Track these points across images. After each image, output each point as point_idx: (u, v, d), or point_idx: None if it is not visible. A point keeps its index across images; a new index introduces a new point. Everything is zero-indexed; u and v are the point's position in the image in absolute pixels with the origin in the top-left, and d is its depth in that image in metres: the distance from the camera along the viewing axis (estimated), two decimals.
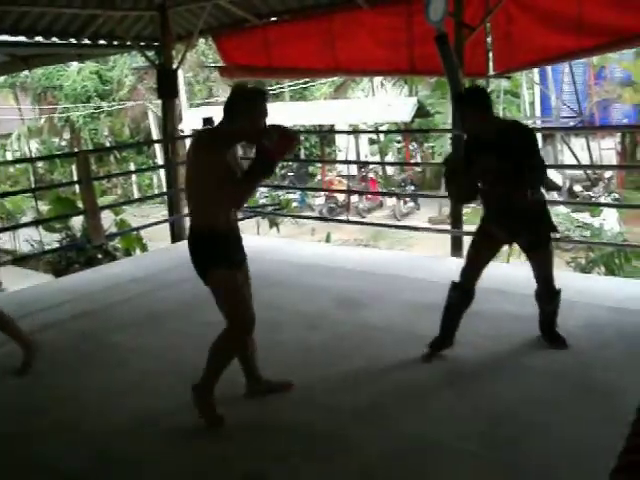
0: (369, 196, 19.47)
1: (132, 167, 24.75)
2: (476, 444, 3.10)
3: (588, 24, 5.87)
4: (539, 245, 3.99)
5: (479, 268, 4.04)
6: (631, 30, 5.75)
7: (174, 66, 8.24)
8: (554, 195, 17.82)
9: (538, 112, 20.34)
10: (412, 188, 19.11)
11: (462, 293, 4.05)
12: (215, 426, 3.41)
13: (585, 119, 18.80)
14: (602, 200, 16.82)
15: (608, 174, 18.47)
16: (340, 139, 23.10)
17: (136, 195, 24.08)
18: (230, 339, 3.38)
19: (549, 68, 17.96)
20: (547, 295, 4.14)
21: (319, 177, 22.01)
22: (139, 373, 4.13)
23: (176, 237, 8.13)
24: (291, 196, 18.31)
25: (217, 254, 3.30)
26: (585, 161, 18.35)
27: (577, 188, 17.66)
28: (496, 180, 3.81)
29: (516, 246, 4.27)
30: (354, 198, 19.36)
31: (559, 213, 12.08)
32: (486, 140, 3.79)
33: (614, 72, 19.11)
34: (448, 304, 4.11)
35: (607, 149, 19.80)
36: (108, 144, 26.27)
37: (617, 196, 17.79)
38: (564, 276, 5.86)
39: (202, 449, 3.22)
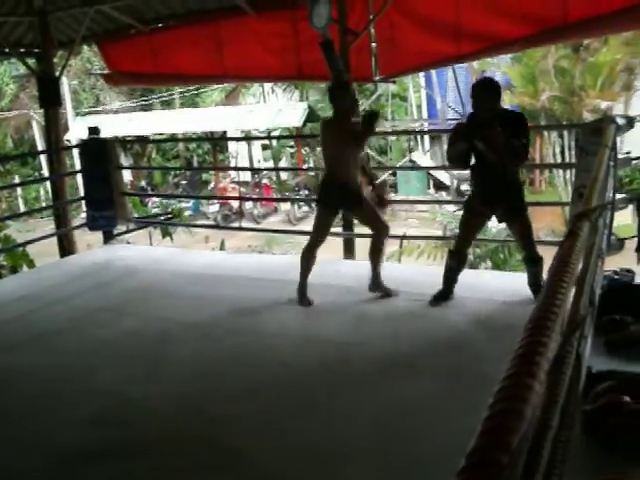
0: (263, 202, 19.49)
1: (17, 180, 23.68)
2: (377, 443, 3.13)
3: (466, 30, 6.11)
4: (514, 215, 4.69)
5: (469, 238, 4.98)
6: (506, 36, 6.03)
7: (56, 74, 7.97)
8: (442, 194, 18.40)
9: (425, 114, 20.97)
10: (306, 192, 19.25)
11: (457, 258, 4.90)
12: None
13: None
14: None
15: None
16: (233, 145, 23.00)
17: (22, 209, 23.04)
18: (384, 240, 5.11)
19: (434, 72, 18.52)
20: (529, 261, 4.80)
21: (212, 184, 21.83)
22: (25, 397, 3.91)
23: (65, 251, 7.85)
24: (184, 204, 18.07)
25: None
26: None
27: (464, 187, 18.28)
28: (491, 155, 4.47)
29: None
30: (249, 204, 19.31)
31: (445, 213, 12.46)
32: (490, 122, 4.42)
33: (494, 76, 19.94)
34: (447, 268, 4.96)
35: None
36: None
37: None
38: None
39: (97, 472, 3.11)
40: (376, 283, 5.19)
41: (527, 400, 0.69)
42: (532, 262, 4.78)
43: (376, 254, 5.16)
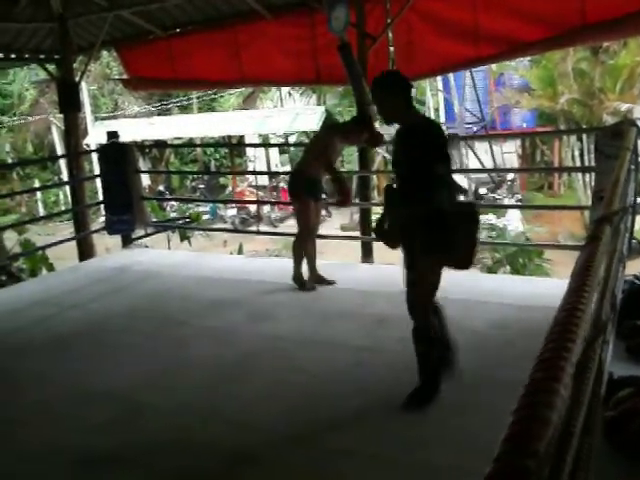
0: (281, 206, 19.53)
1: (36, 184, 23.89)
2: (390, 448, 3.11)
3: (484, 33, 6.09)
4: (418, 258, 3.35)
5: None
6: (524, 39, 5.99)
7: (76, 79, 8.03)
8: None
9: (443, 118, 20.90)
10: (324, 196, 19.21)
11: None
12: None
13: (487, 124, 19.44)
14: (506, 202, 17.42)
15: (510, 176, 19.15)
16: (250, 149, 23.08)
17: (42, 213, 23.24)
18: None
19: (451, 75, 18.49)
20: (412, 334, 3.54)
21: (230, 188, 21.89)
22: (39, 401, 3.90)
23: (84, 255, 7.89)
24: (201, 208, 18.15)
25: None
26: (489, 164, 18.96)
27: (482, 191, 18.22)
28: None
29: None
30: (266, 208, 19.35)
31: None
32: (398, 134, 3.53)
33: (512, 79, 19.86)
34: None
35: (509, 152, 20.55)
36: (10, 160, 25.27)
37: (520, 197, 18.47)
38: (471, 277, 6.03)
39: (117, 474, 3.12)
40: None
41: (553, 406, 0.68)
42: (414, 336, 3.50)
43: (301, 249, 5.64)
